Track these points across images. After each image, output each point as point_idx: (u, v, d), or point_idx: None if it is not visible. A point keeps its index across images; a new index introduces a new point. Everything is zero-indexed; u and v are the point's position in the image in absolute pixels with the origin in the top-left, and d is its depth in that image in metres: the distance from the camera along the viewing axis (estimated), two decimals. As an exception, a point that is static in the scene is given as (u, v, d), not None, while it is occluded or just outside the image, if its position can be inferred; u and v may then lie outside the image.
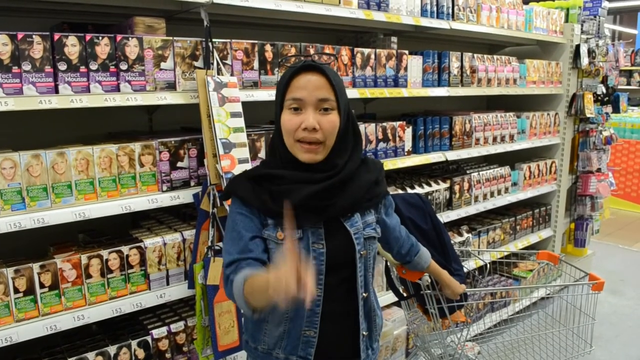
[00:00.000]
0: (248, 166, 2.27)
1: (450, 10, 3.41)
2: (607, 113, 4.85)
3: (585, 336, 2.43)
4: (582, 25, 4.62)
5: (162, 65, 2.20)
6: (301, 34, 3.34)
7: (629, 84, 12.85)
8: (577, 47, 4.49)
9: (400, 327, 3.20)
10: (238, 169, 2.22)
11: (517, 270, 4.21)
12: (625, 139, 7.65)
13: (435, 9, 3.33)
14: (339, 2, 2.77)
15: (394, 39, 3.38)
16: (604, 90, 4.85)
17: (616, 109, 5.00)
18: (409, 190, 3.25)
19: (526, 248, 4.35)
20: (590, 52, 4.60)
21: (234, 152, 2.23)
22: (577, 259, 4.78)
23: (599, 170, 4.77)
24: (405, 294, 2.40)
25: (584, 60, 4.48)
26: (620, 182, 7.62)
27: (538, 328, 2.66)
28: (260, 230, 1.56)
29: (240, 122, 2.29)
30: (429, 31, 3.52)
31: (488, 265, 2.92)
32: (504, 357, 2.72)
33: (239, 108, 2.30)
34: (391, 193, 1.89)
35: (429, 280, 2.07)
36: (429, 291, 2.11)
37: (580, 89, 4.60)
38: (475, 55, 3.64)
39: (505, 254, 3.97)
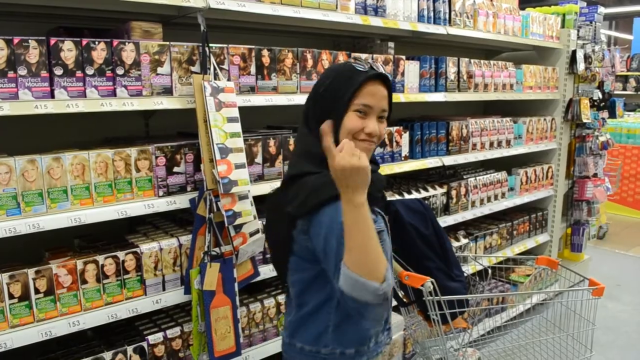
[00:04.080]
0: (245, 171, 2.26)
1: (447, 16, 3.42)
2: (603, 118, 4.87)
3: (585, 341, 2.40)
4: (578, 31, 4.64)
5: (159, 70, 2.20)
6: (298, 39, 3.34)
7: (624, 89, 12.89)
8: (574, 52, 4.50)
9: (397, 332, 3.19)
10: (234, 174, 2.21)
11: (514, 275, 4.20)
12: (622, 143, 7.66)
13: (432, 14, 3.34)
14: (336, 8, 2.77)
15: (391, 44, 3.38)
16: (600, 96, 4.87)
17: (612, 114, 5.02)
18: (407, 196, 3.25)
19: (523, 253, 4.35)
20: (587, 58, 4.62)
21: (231, 157, 2.23)
22: (573, 264, 4.79)
23: (595, 175, 4.78)
24: (405, 300, 2.39)
25: (580, 66, 4.49)
26: (629, 189, 7.64)
27: (539, 334, 2.65)
28: None
29: (237, 127, 2.28)
30: (426, 36, 3.53)
31: (489, 271, 2.91)
32: (505, 364, 2.71)
33: (235, 113, 2.30)
34: (390, 199, 1.89)
35: (432, 287, 2.06)
36: (431, 297, 2.10)
37: (576, 95, 4.61)
38: (472, 60, 3.65)
39: (503, 259, 3.98)
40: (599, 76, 4.77)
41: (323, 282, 1.57)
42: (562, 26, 4.62)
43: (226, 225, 2.24)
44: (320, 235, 1.48)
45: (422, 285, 2.03)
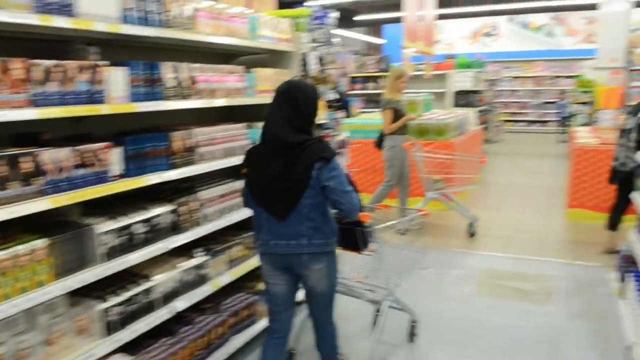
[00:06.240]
0: None
1: (162, 17, 3.12)
2: (337, 118, 5.05)
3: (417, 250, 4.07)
4: (311, 34, 4.73)
5: None
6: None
7: (376, 89, 14.16)
8: (305, 55, 4.57)
9: None
10: None
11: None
12: (359, 139, 8.08)
13: (143, 15, 3.00)
14: (-1, 5, 2.27)
15: (95, 48, 2.97)
16: (336, 96, 5.05)
17: (348, 114, 5.27)
18: (121, 221, 2.85)
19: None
20: (320, 60, 4.73)
21: None
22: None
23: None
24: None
25: (312, 68, 4.58)
26: (366, 180, 8.17)
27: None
28: None
29: None
30: (141, 40, 3.19)
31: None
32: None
33: None
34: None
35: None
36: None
37: (312, 96, 4.69)
38: (195, 65, 3.41)
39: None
40: (333, 77, 4.94)
41: (324, 206, 2.84)
42: (297, 29, 4.66)
43: None
44: (335, 172, 2.75)
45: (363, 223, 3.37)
